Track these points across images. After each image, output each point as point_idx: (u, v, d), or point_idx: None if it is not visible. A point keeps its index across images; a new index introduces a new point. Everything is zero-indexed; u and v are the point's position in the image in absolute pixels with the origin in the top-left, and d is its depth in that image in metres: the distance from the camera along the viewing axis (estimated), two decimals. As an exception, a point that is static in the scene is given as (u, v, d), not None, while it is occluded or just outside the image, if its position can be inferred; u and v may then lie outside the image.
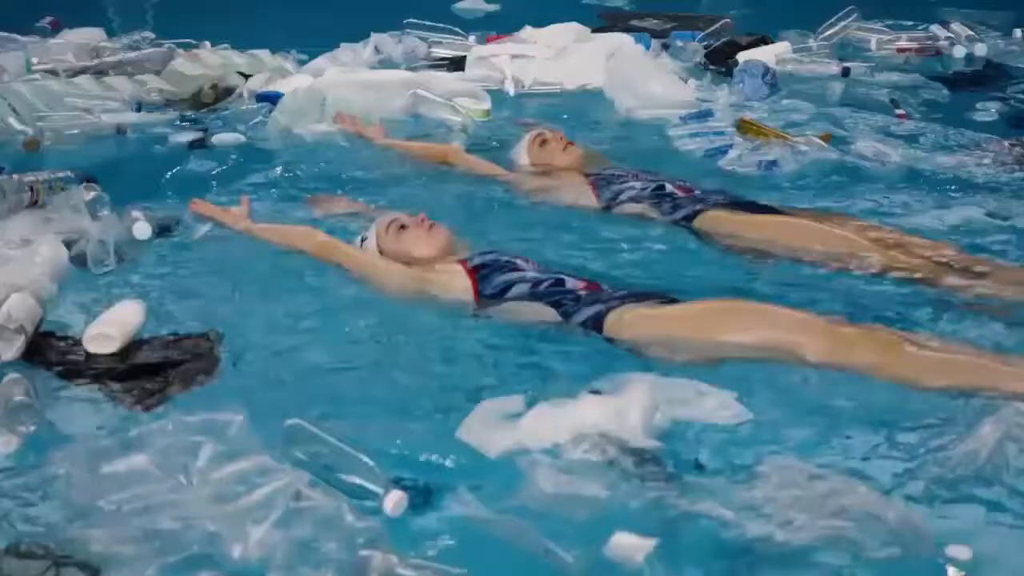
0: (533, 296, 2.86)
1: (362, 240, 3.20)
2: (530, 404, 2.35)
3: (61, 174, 3.54)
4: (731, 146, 4.19)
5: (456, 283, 2.96)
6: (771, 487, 2.07)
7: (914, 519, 1.97)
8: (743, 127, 4.38)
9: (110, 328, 2.75)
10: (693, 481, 2.15)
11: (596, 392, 2.37)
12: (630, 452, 2.21)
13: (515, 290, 2.88)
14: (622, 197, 3.62)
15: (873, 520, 1.95)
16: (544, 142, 3.96)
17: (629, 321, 2.70)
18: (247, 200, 3.52)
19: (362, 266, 3.10)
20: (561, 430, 2.25)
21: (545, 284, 2.87)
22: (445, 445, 2.30)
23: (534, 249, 3.22)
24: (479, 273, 2.95)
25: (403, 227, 3.13)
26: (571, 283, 2.87)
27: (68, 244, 3.19)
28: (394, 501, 2.05)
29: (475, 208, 3.73)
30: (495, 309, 2.88)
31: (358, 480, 2.07)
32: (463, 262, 3.02)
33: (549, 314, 2.81)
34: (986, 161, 4.03)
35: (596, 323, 2.74)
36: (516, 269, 2.94)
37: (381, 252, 3.14)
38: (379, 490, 2.06)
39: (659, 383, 2.43)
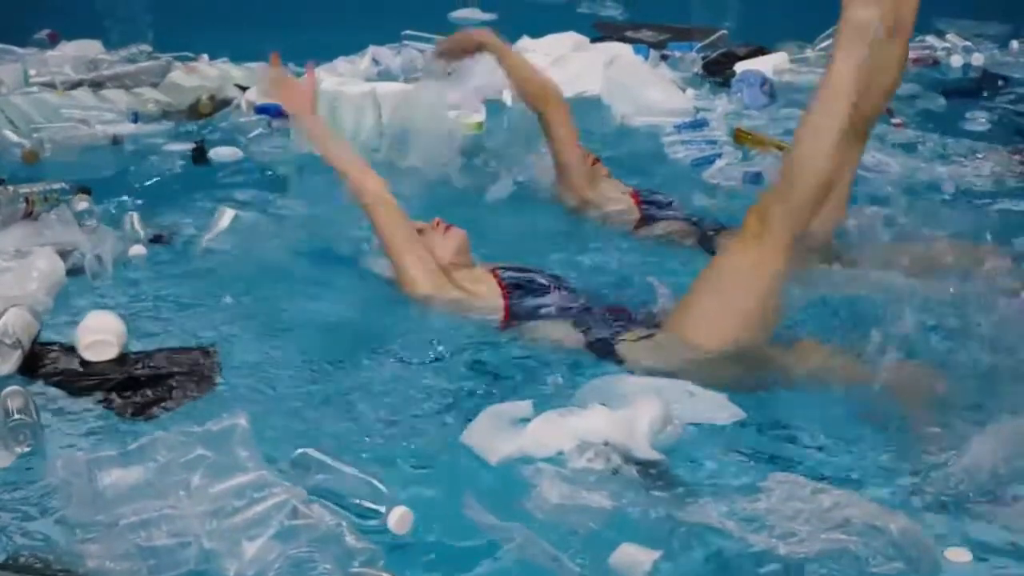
0: (560, 316, 2.89)
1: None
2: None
3: (56, 185, 3.54)
4: (720, 156, 4.18)
5: (490, 298, 2.97)
6: (774, 499, 2.06)
7: (917, 531, 1.96)
8: (739, 137, 4.37)
9: (106, 335, 2.75)
10: (697, 492, 2.15)
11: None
12: (635, 461, 2.21)
13: (544, 311, 2.93)
14: (667, 214, 3.67)
15: (876, 533, 1.95)
16: (595, 162, 3.93)
17: (642, 348, 2.72)
18: (312, 69, 3.28)
19: (408, 248, 3.01)
20: (566, 438, 2.25)
21: (574, 309, 2.91)
22: (449, 452, 2.30)
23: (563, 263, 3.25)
24: (512, 293, 2.98)
25: (419, 232, 3.14)
26: (598, 310, 2.91)
27: (63, 255, 3.19)
28: (397, 517, 2.03)
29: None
30: (522, 327, 2.90)
31: (366, 503, 2.06)
32: (495, 273, 3.04)
33: (572, 335, 2.83)
34: (985, 171, 4.04)
35: (608, 349, 2.76)
36: (548, 293, 2.97)
37: None
38: (381, 508, 2.05)
39: (648, 384, 2.44)
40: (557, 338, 2.85)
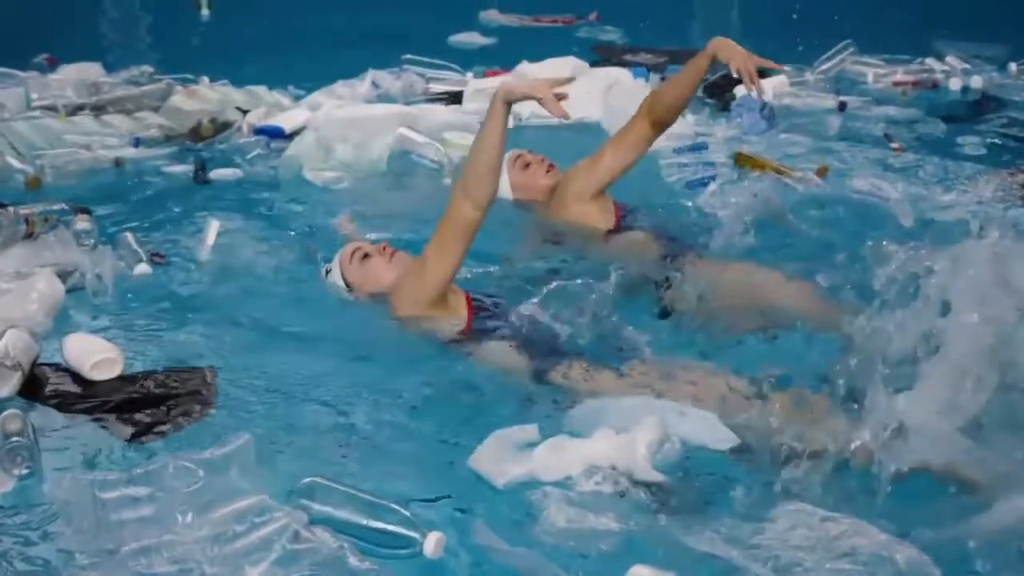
0: (514, 341, 2.89)
1: (327, 272, 3.20)
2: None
3: (56, 206, 3.54)
4: (713, 178, 4.16)
5: (458, 311, 2.97)
6: (780, 527, 2.05)
7: (924, 561, 1.94)
8: (740, 160, 4.36)
9: (109, 352, 2.76)
10: (704, 516, 2.14)
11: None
12: (642, 484, 2.21)
13: (500, 332, 2.93)
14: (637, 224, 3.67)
15: (882, 562, 1.93)
16: (527, 165, 3.94)
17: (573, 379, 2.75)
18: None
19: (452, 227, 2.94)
20: (573, 462, 2.25)
21: (524, 333, 2.91)
22: (455, 477, 2.29)
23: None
24: (477, 314, 2.97)
25: (366, 256, 3.15)
26: (539, 337, 2.90)
27: (62, 276, 3.19)
28: (434, 542, 2.02)
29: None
30: (478, 346, 2.90)
31: (391, 528, 2.04)
32: (466, 293, 3.03)
33: (519, 364, 2.84)
34: (987, 193, 4.04)
35: (542, 377, 2.78)
36: (508, 319, 2.96)
37: (346, 281, 3.14)
38: (416, 535, 2.03)
39: (638, 405, 2.44)
40: (506, 365, 2.84)
